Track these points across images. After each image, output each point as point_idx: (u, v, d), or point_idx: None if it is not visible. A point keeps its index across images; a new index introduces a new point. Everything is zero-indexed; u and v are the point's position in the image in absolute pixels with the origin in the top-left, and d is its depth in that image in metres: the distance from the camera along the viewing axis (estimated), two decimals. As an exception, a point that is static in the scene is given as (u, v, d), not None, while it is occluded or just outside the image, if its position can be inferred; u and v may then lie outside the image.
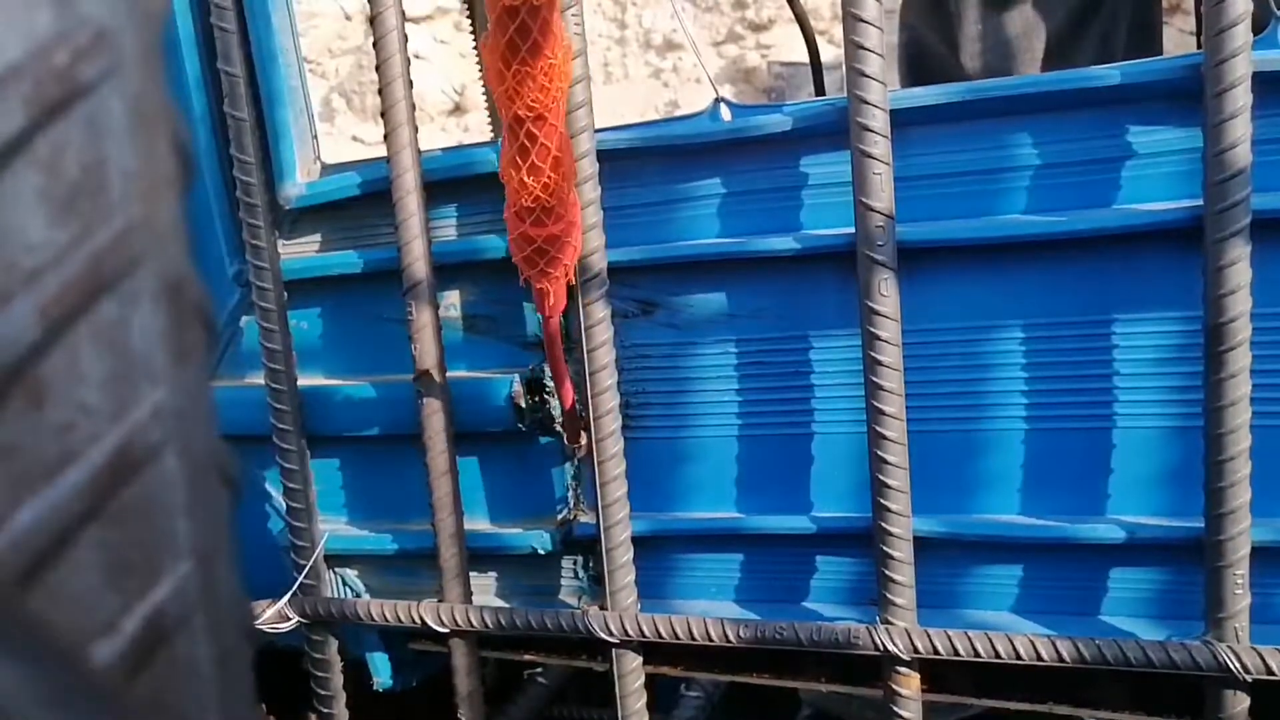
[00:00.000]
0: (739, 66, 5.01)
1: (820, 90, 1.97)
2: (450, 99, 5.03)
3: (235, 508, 0.27)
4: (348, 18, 5.26)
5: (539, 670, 1.80)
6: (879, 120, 0.98)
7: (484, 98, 2.31)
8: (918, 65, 1.76)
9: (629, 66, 5.24)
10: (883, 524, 1.04)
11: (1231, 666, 0.96)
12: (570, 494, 1.27)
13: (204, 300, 0.26)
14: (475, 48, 2.30)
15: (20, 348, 0.23)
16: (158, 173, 0.25)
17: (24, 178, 0.23)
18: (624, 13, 5.25)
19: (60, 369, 0.24)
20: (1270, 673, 0.95)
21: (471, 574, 1.27)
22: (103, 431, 0.24)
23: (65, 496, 0.23)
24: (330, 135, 5.32)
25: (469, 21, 2.46)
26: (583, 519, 1.25)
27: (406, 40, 1.16)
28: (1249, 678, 0.96)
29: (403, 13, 1.15)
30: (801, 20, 1.75)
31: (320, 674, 1.35)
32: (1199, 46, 0.93)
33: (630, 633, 1.16)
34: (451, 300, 1.27)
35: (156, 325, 0.24)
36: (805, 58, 2.13)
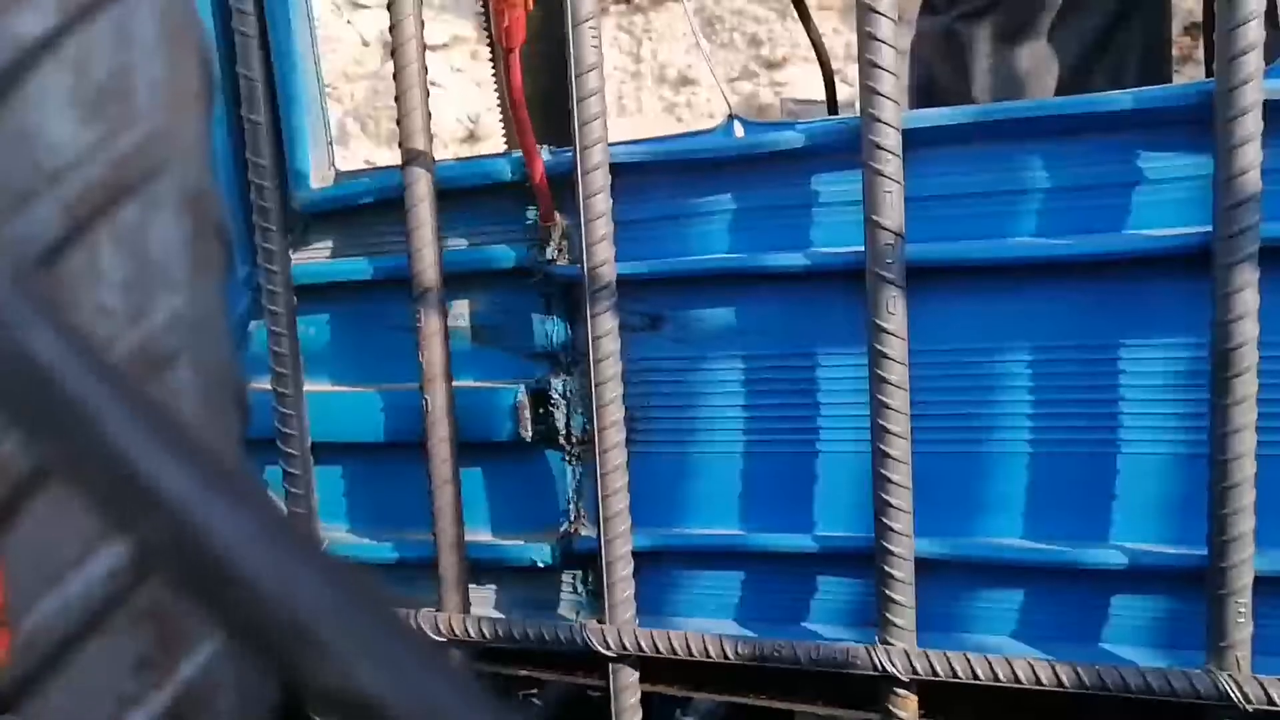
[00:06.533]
0: (753, 103, 5.05)
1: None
2: (465, 126, 5.07)
3: (245, 431, 0.27)
4: (365, 44, 5.31)
5: (534, 692, 1.79)
6: (891, 139, 0.99)
7: (500, 126, 2.33)
8: (929, 98, 1.78)
9: (643, 100, 5.28)
10: (885, 543, 1.04)
11: (1233, 695, 0.95)
12: (572, 507, 1.27)
13: (222, 215, 0.26)
14: (493, 75, 2.32)
15: (41, 246, 0.23)
16: (183, 85, 0.25)
17: (53, 77, 0.23)
18: (639, 47, 5.29)
19: (79, 270, 0.24)
20: (1272, 703, 0.94)
21: (471, 586, 1.26)
22: (119, 335, 0.24)
23: (79, 399, 0.23)
24: (344, 159, 5.35)
25: (487, 50, 2.48)
26: (584, 532, 1.25)
27: (425, 49, 1.17)
28: (1250, 707, 0.95)
29: (422, 23, 1.17)
30: (817, 46, 1.76)
31: (315, 682, 1.34)
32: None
33: (628, 647, 1.15)
34: (460, 310, 1.27)
35: (176, 234, 0.25)
36: (818, 95, 2.14)
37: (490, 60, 2.36)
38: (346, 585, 0.21)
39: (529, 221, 1.22)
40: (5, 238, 0.23)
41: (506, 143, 2.22)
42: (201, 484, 0.20)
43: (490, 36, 2.31)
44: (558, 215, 1.19)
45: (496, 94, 2.28)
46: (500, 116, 2.27)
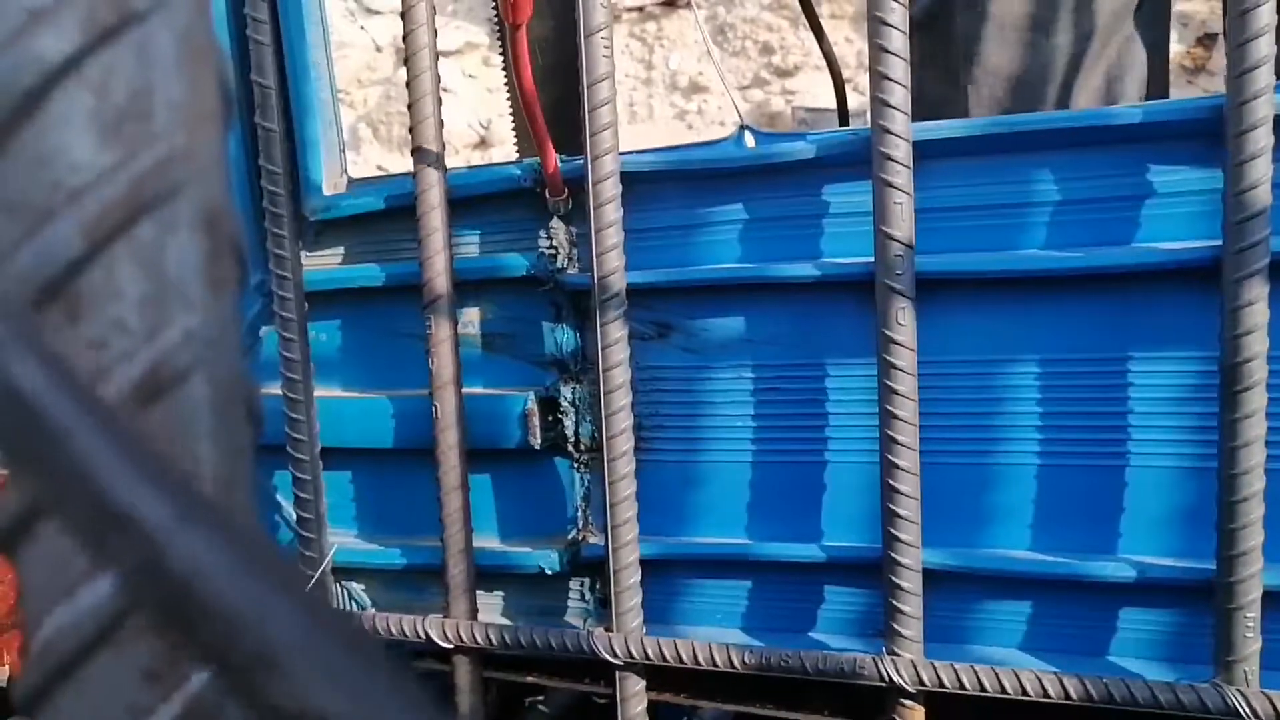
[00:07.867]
0: (764, 111, 5.05)
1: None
2: (476, 132, 5.08)
3: (256, 443, 0.28)
4: (378, 49, 5.32)
5: (541, 699, 1.79)
6: (901, 150, 0.99)
7: (511, 132, 2.33)
8: (926, 110, 1.78)
9: (654, 107, 5.29)
10: (892, 554, 1.04)
11: (1241, 710, 0.95)
12: (579, 514, 1.27)
13: (238, 233, 0.26)
14: (505, 83, 2.33)
15: (61, 263, 0.24)
16: (201, 105, 0.25)
17: (75, 99, 0.24)
18: (651, 54, 5.30)
19: (97, 286, 0.24)
20: (1279, 718, 0.94)
21: (478, 593, 1.27)
22: (135, 350, 0.24)
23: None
24: (356, 164, 5.36)
25: (499, 56, 2.49)
26: (591, 540, 1.26)
27: (438, 58, 1.18)
28: (1258, 723, 0.95)
29: (435, 31, 1.17)
30: (828, 58, 1.77)
31: (322, 687, 1.34)
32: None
33: (635, 655, 1.15)
34: (470, 317, 1.28)
35: (192, 252, 0.25)
36: (830, 104, 2.14)
37: (503, 68, 2.36)
38: (314, 610, 0.21)
39: (540, 228, 1.22)
40: None
41: (518, 149, 2.22)
42: (172, 511, 0.21)
43: (502, 44, 2.32)
44: (568, 190, 1.19)
45: (508, 98, 2.29)
46: (512, 123, 2.27)
